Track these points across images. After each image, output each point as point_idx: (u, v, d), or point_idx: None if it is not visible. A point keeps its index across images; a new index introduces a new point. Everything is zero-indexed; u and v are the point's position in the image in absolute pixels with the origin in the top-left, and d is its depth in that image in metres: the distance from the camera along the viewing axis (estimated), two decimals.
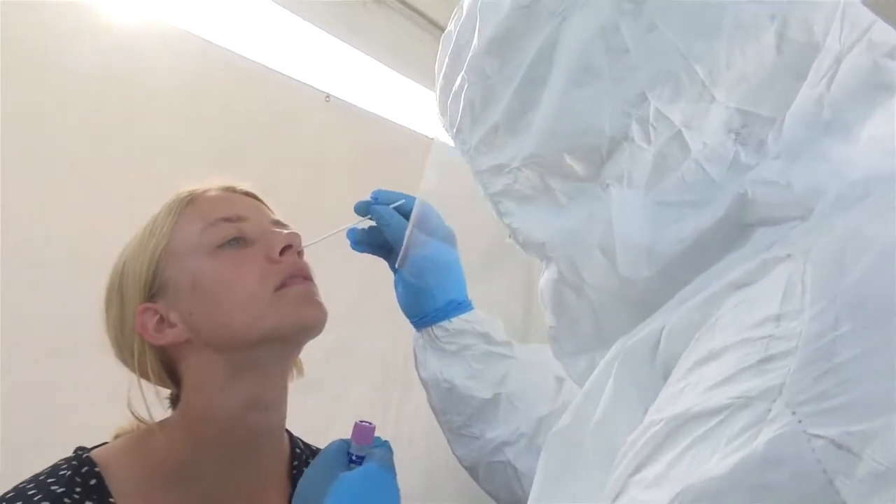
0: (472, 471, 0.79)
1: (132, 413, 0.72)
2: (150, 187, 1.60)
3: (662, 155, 0.42)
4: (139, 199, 1.56)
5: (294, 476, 0.76)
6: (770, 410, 0.29)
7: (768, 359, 0.30)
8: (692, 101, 0.41)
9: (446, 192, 0.69)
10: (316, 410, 1.47)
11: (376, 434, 0.64)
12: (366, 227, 0.78)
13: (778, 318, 0.31)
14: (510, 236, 0.51)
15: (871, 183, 0.37)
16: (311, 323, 0.67)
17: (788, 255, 0.34)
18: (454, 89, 0.51)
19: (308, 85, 1.88)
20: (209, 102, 1.65)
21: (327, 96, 1.94)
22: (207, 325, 0.66)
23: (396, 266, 0.74)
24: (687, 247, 0.41)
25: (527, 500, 0.75)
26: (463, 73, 0.49)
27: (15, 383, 1.44)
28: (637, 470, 0.33)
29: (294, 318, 0.66)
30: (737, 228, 0.41)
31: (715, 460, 0.29)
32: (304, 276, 0.69)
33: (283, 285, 0.66)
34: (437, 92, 0.54)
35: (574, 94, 0.44)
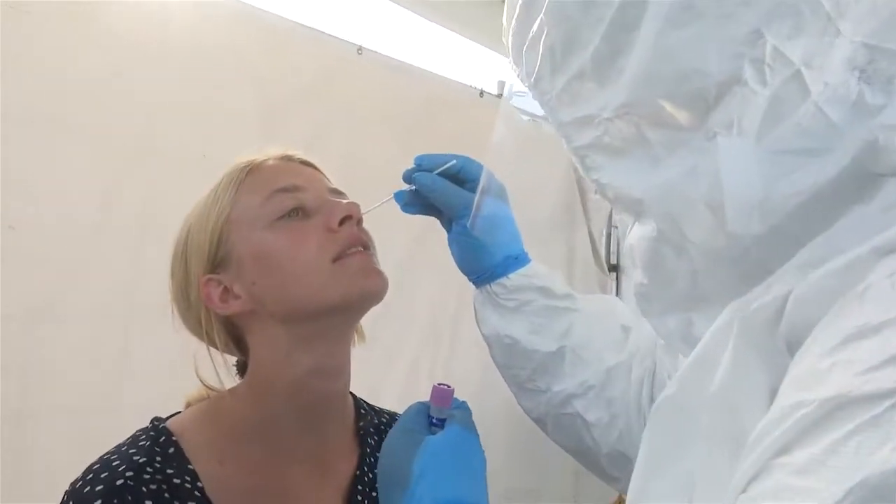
0: (539, 422, 0.79)
1: (201, 381, 0.73)
2: (200, 149, 1.62)
3: (778, 98, 0.38)
4: (191, 163, 1.59)
5: (360, 436, 0.76)
6: None
7: None
8: (814, 35, 0.37)
9: (511, 150, 0.65)
10: (367, 366, 1.50)
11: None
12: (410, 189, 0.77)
13: None
14: (596, 191, 0.48)
15: None
16: (371, 292, 0.67)
17: None
18: (531, 35, 0.47)
19: (342, 39, 1.85)
20: (248, 64, 1.64)
21: (359, 49, 1.91)
22: (270, 297, 0.66)
23: (469, 226, 0.72)
24: (804, 200, 0.38)
25: (596, 450, 0.75)
26: (541, 16, 0.45)
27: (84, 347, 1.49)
28: (782, 452, 0.31)
29: (355, 288, 0.66)
30: (863, 179, 0.37)
31: (889, 450, 0.27)
32: (363, 246, 0.69)
33: (341, 255, 0.66)
34: (510, 38, 0.50)
35: (673, 35, 0.40)
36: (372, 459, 0.75)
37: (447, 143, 2.24)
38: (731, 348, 0.38)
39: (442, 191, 0.74)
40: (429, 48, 1.96)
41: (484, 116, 2.41)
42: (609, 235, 2.98)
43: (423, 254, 1.95)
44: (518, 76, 0.50)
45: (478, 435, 0.59)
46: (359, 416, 0.79)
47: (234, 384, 0.72)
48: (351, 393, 0.80)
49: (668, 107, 0.41)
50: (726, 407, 0.37)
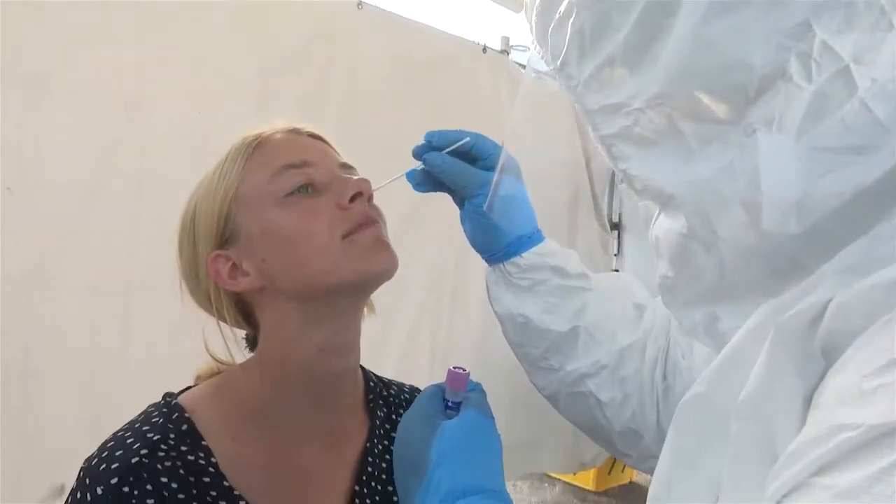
0: (551, 399, 0.79)
1: (210, 355, 0.73)
2: (195, 109, 1.59)
3: (823, 94, 0.36)
4: (186, 123, 1.56)
5: (370, 409, 0.76)
6: None
7: None
8: (866, 30, 0.35)
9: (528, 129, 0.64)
10: (367, 329, 1.50)
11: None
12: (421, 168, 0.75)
13: None
14: (622, 180, 0.46)
15: None
16: (382, 269, 0.66)
17: None
18: (558, 15, 0.45)
19: None
20: (243, 20, 1.60)
21: (359, 3, 1.85)
22: (280, 274, 0.65)
23: (486, 209, 0.71)
24: (846, 201, 0.36)
25: (609, 428, 0.75)
26: None
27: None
28: (823, 471, 0.30)
29: (366, 265, 0.65)
30: None
31: None
32: (373, 222, 0.67)
33: (352, 232, 0.65)
34: (534, 16, 0.48)
35: (715, 24, 0.37)
36: (381, 431, 0.76)
37: (450, 101, 2.21)
38: (765, 354, 0.37)
39: (453, 171, 0.72)
40: (431, 2, 1.90)
41: (487, 73, 2.36)
42: (611, 194, 2.96)
43: (423, 215, 1.93)
44: (542, 58, 0.48)
45: (493, 418, 0.58)
46: (368, 389, 0.79)
47: (244, 358, 0.72)
48: (360, 365, 0.80)
49: (705, 99, 0.39)
50: (758, 413, 0.37)
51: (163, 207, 1.56)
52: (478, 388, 0.61)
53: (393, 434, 0.77)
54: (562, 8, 0.44)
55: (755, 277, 0.42)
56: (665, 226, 0.46)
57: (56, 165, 1.41)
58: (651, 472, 0.76)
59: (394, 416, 0.79)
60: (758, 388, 0.37)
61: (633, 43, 0.41)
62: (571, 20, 0.43)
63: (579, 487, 3.55)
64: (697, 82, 0.39)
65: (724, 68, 0.38)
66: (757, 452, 0.36)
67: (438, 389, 0.61)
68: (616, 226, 3.00)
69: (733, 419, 0.38)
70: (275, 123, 0.72)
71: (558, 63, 0.45)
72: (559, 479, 3.61)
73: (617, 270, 2.98)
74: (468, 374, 0.60)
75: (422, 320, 2.21)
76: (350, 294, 0.67)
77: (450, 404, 0.59)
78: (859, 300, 0.34)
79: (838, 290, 0.36)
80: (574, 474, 3.41)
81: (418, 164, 0.74)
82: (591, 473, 3.43)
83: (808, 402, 0.35)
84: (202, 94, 1.60)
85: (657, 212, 0.47)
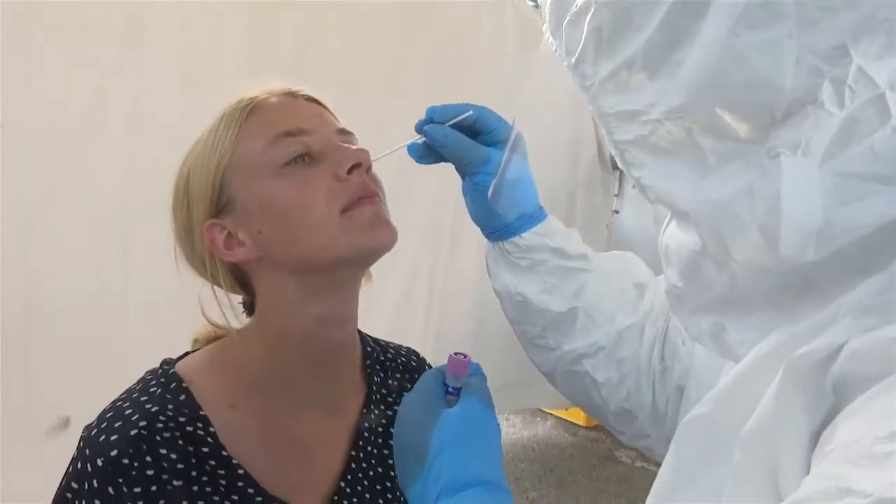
0: (548, 376, 0.79)
1: (207, 320, 0.72)
2: (188, 47, 1.53)
3: (853, 119, 0.34)
4: (180, 60, 1.51)
5: (368, 374, 0.77)
6: None
7: None
8: None
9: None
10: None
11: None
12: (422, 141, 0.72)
13: None
14: (634, 185, 0.44)
15: None
16: (381, 245, 0.65)
17: None
18: (575, 8, 0.41)
19: None
20: None
21: None
22: (278, 247, 0.64)
23: (489, 197, 0.68)
24: (871, 233, 0.35)
25: (604, 407, 0.76)
26: None
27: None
28: None
29: (365, 241, 0.64)
30: None
31: None
32: (372, 195, 0.66)
33: (350, 206, 0.64)
34: (548, 4, 0.44)
35: (744, 37, 0.35)
36: (377, 396, 0.76)
37: (451, 36, 2.13)
38: (775, 388, 0.37)
39: (454, 146, 0.70)
40: None
41: (490, 11, 2.27)
42: None
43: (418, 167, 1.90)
44: (556, 51, 0.45)
45: (493, 406, 0.59)
46: (365, 354, 0.79)
47: (240, 324, 0.72)
48: (357, 329, 0.80)
49: (728, 116, 0.37)
50: (763, 446, 0.36)
51: (158, 145, 1.54)
52: (478, 373, 0.61)
53: (389, 399, 0.78)
54: (579, 1, 0.41)
55: (766, 292, 0.41)
56: (677, 238, 0.44)
57: (48, 102, 1.37)
58: (645, 450, 0.78)
59: (391, 381, 0.80)
60: (765, 421, 0.37)
61: (656, 47, 0.38)
62: (589, 16, 0.40)
63: (570, 422, 3.66)
64: (721, 98, 0.37)
65: (751, 86, 0.35)
66: (758, 484, 0.35)
67: (440, 374, 0.61)
68: (618, 165, 2.94)
69: (737, 448, 0.37)
70: (269, 85, 0.69)
71: (573, 60, 0.43)
72: (551, 414, 3.73)
73: (617, 211, 2.97)
74: (469, 360, 0.59)
75: (420, 260, 2.21)
76: (348, 268, 0.66)
77: (450, 389, 0.59)
78: (877, 350, 0.33)
79: (855, 332, 0.35)
80: (566, 409, 3.51)
81: (419, 137, 0.71)
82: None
83: (814, 438, 0.35)
84: (198, 26, 1.55)
85: (668, 219, 0.46)
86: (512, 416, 3.48)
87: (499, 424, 0.57)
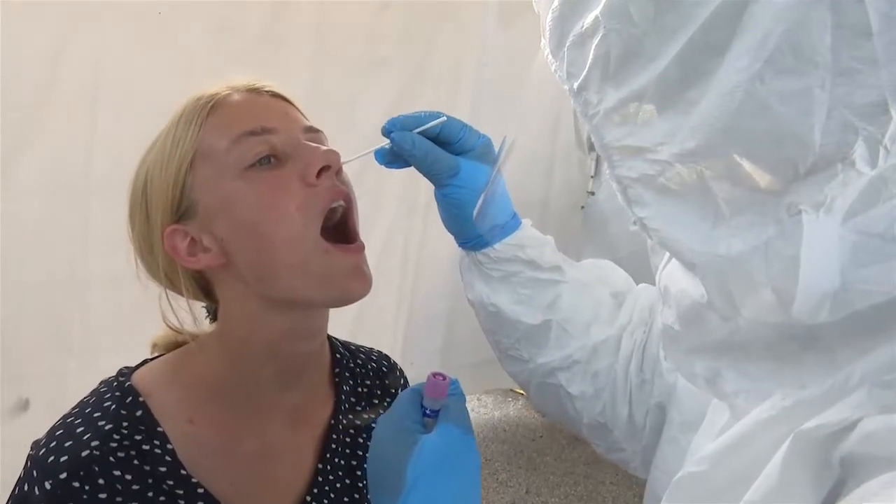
0: (523, 387, 0.78)
1: (168, 325, 0.68)
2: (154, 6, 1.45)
3: (882, 179, 0.31)
4: (146, 19, 1.42)
5: (337, 384, 0.74)
6: None
7: None
8: None
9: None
10: None
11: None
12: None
13: None
14: (634, 223, 0.40)
15: None
16: (354, 298, 0.62)
17: None
18: (580, 29, 0.37)
19: None
20: None
21: None
22: (243, 257, 0.60)
23: (474, 219, 0.65)
24: (890, 300, 0.32)
25: (578, 419, 0.74)
26: (598, 12, 0.36)
27: None
28: None
29: (337, 292, 0.61)
30: None
31: None
32: (345, 200, 0.63)
33: (333, 243, 0.60)
34: (549, 18, 0.40)
35: (770, 83, 0.31)
36: (346, 406, 0.73)
37: (428, 13, 2.05)
38: (781, 460, 0.34)
39: (422, 155, 0.66)
40: None
41: None
42: None
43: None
44: (555, 71, 0.40)
45: (472, 432, 0.56)
46: (334, 362, 0.75)
47: (203, 329, 0.68)
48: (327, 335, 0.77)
49: (746, 165, 0.33)
50: None
51: (120, 112, 1.46)
52: (457, 392, 0.58)
53: (358, 407, 0.75)
54: (585, 22, 0.37)
55: (768, 341, 0.38)
56: (679, 283, 0.41)
57: (2, 65, 1.29)
58: (620, 463, 0.76)
59: (360, 389, 0.77)
60: (768, 493, 0.34)
61: (669, 81, 0.34)
62: (596, 41, 0.36)
63: None
64: (740, 147, 0.33)
65: (774, 138, 0.32)
66: None
67: (416, 395, 0.57)
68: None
69: None
70: (232, 80, 0.64)
71: (575, 85, 0.38)
72: (522, 395, 3.75)
73: (593, 193, 2.94)
74: (448, 382, 0.56)
75: (395, 231, 2.17)
76: (312, 307, 0.64)
77: (428, 412, 0.56)
78: (888, 435, 0.31)
79: (870, 408, 0.32)
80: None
81: (387, 142, 0.67)
82: None
83: None
84: None
85: (667, 258, 0.42)
86: (483, 395, 3.49)
87: (478, 453, 0.54)
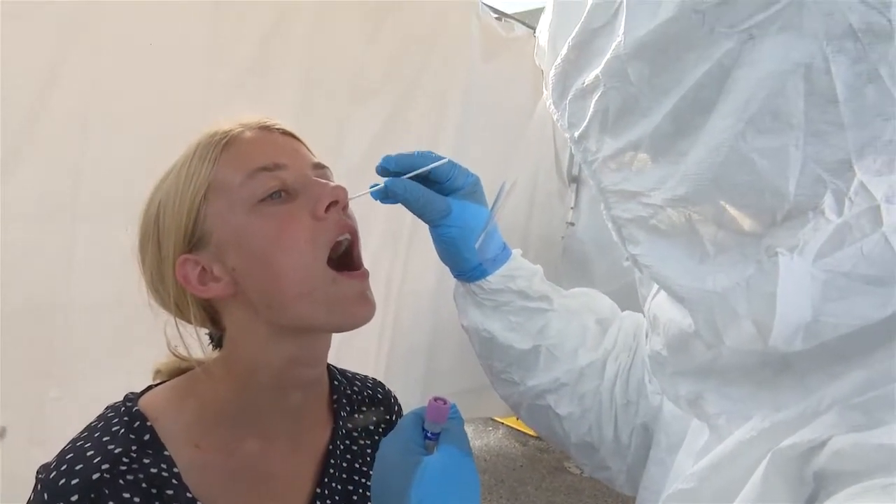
0: (514, 409, 0.82)
1: (173, 353, 0.70)
2: (146, 37, 1.47)
3: (848, 225, 0.35)
4: (137, 49, 1.44)
5: (335, 410, 0.76)
6: None
7: None
8: None
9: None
10: None
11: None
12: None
13: None
14: (627, 259, 0.45)
15: None
16: (359, 323, 0.65)
17: None
18: (582, 84, 0.42)
19: None
20: None
21: None
22: (253, 287, 0.63)
23: (478, 251, 0.69)
24: (854, 331, 0.36)
25: (566, 439, 0.78)
26: (598, 72, 0.40)
27: None
28: None
29: (343, 317, 0.64)
30: None
31: None
32: (351, 233, 0.66)
33: (338, 271, 0.64)
34: (552, 74, 0.44)
35: (752, 142, 0.35)
36: (343, 431, 0.76)
37: (415, 45, 2.11)
38: (761, 476, 0.38)
39: (415, 200, 0.71)
40: None
41: (455, 15, 2.26)
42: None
43: (383, 149, 1.89)
44: (557, 120, 0.45)
45: (472, 454, 0.59)
46: (332, 389, 0.78)
47: (206, 356, 0.70)
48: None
49: (731, 210, 0.38)
50: None
51: (113, 135, 1.48)
52: (457, 416, 0.61)
53: (355, 433, 0.78)
54: (587, 79, 0.41)
55: (746, 367, 0.43)
56: (668, 313, 0.45)
57: None
58: (606, 482, 0.80)
59: (357, 416, 0.79)
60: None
61: (662, 134, 0.39)
62: (597, 96, 0.41)
63: (521, 431, 3.71)
64: (725, 195, 0.38)
65: (755, 188, 0.36)
66: None
67: (418, 418, 0.60)
68: (575, 179, 3.00)
69: None
70: (242, 118, 0.68)
71: (576, 134, 0.43)
72: (503, 423, 3.78)
73: (573, 224, 3.01)
74: (449, 407, 0.59)
75: (381, 257, 2.19)
76: (318, 332, 0.68)
77: (429, 435, 0.59)
78: (859, 452, 0.35)
79: (839, 428, 0.36)
80: (517, 419, 3.55)
81: (381, 183, 0.72)
82: None
83: None
84: (154, 20, 1.49)
85: (655, 290, 0.46)
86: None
87: (477, 474, 0.57)
